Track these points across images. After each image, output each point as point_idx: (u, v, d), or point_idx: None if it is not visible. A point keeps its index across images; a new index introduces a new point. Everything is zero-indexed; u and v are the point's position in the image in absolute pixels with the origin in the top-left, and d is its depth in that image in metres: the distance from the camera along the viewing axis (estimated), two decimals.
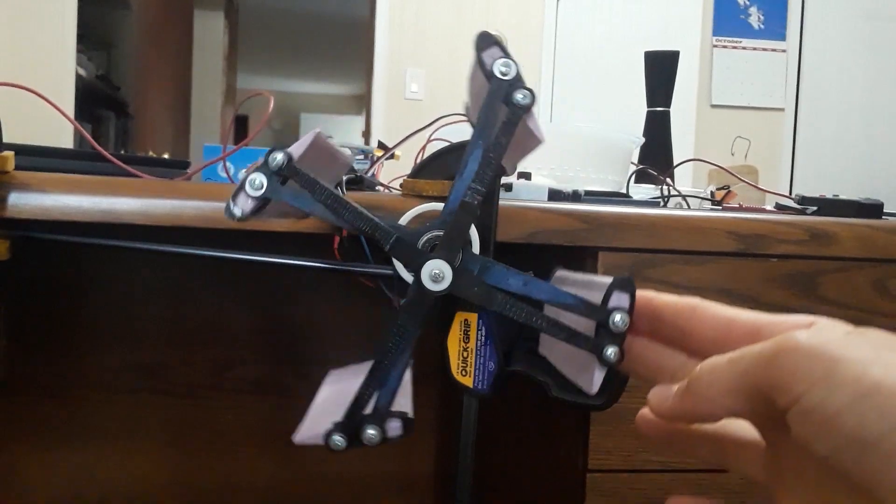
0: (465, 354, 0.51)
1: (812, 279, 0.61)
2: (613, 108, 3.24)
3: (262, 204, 0.38)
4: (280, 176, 0.37)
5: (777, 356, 0.24)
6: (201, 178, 0.77)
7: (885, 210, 0.71)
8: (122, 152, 0.72)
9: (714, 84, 3.46)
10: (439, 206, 0.53)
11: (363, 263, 0.58)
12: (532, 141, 0.41)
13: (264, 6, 5.60)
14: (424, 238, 0.39)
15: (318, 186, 0.38)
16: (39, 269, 0.83)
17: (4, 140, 0.56)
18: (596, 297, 0.36)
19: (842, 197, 0.72)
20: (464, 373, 0.51)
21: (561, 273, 0.42)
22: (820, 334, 0.24)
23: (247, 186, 0.37)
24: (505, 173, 0.45)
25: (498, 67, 0.37)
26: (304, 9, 5.68)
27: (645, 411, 0.32)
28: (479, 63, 0.37)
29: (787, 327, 0.28)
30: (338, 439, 0.38)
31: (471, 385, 0.51)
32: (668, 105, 1.19)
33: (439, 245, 0.38)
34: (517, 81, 0.37)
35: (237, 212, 0.37)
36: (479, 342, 0.59)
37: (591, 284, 0.37)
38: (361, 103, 6.48)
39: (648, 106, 1.20)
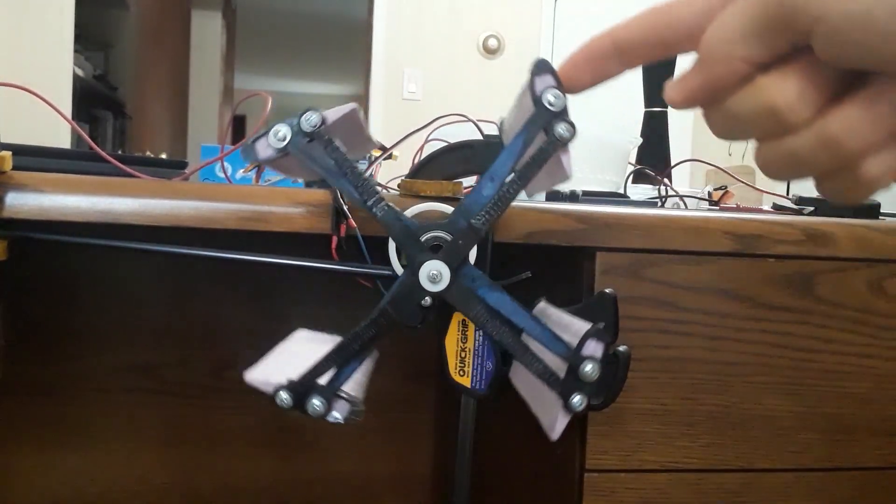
0: (462, 355, 0.51)
1: (809, 279, 0.61)
2: (611, 108, 3.24)
3: (279, 156, 0.38)
4: (306, 135, 0.38)
5: None
6: (199, 178, 0.77)
7: (881, 210, 0.71)
8: (120, 152, 0.72)
9: None
10: (437, 206, 0.53)
11: (361, 264, 0.58)
12: (560, 174, 0.41)
13: (262, 6, 5.60)
14: (427, 235, 0.39)
15: (342, 155, 0.38)
16: (37, 269, 0.83)
17: (2, 140, 0.56)
18: (571, 340, 0.36)
19: None
20: (461, 373, 0.51)
21: (543, 306, 0.42)
22: None
23: (270, 136, 0.37)
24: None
25: (547, 96, 0.37)
26: (301, 9, 5.67)
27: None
28: (530, 87, 0.37)
29: None
30: (285, 397, 0.39)
31: (468, 385, 0.51)
32: (666, 105, 1.19)
33: (444, 249, 0.38)
34: (563, 114, 0.37)
35: (254, 155, 0.38)
36: (476, 343, 0.59)
37: (569, 327, 0.38)
38: (359, 103, 6.47)
39: (646, 106, 1.20)
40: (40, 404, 0.85)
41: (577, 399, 0.37)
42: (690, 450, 0.61)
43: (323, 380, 0.39)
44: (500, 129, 0.43)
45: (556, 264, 0.65)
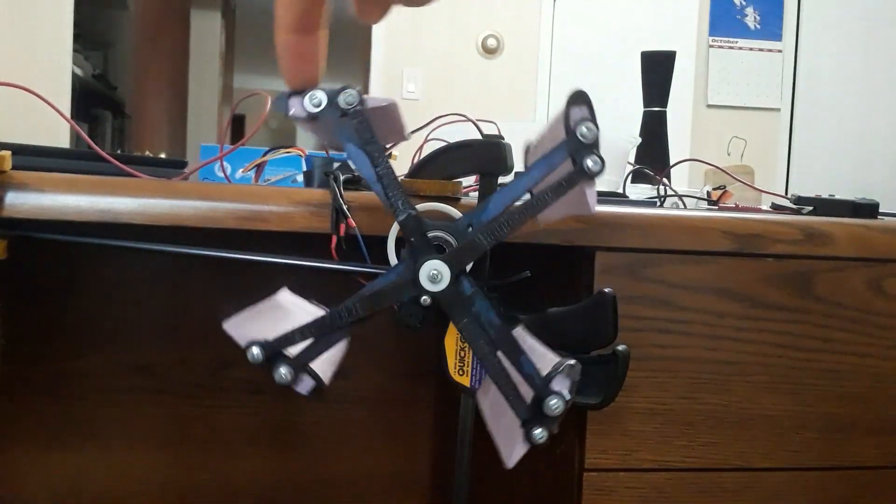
0: (462, 354, 0.51)
1: (807, 279, 0.61)
2: (610, 108, 3.23)
3: (305, 118, 0.39)
4: (340, 110, 0.38)
5: None
6: (198, 177, 0.77)
7: (880, 210, 0.71)
8: (119, 152, 0.72)
9: (710, 84, 3.47)
10: (437, 205, 0.53)
11: (360, 263, 0.58)
12: (581, 207, 0.40)
13: (261, 6, 5.59)
14: (432, 233, 0.39)
15: (372, 139, 0.39)
16: (37, 268, 0.83)
17: (1, 139, 0.56)
18: (543, 369, 0.36)
19: (837, 197, 0.73)
20: (461, 372, 0.51)
21: (520, 331, 0.42)
22: None
23: (306, 99, 0.38)
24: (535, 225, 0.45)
25: (581, 128, 0.37)
26: None
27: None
28: (565, 116, 0.37)
29: None
30: (256, 352, 0.39)
31: (468, 384, 0.51)
32: (665, 105, 1.20)
33: (448, 253, 0.38)
34: (594, 146, 0.37)
35: (291, 111, 0.39)
36: None
37: (543, 358, 0.38)
38: None
39: (645, 106, 1.20)
40: (40, 403, 0.85)
41: (538, 432, 0.37)
42: (689, 449, 0.61)
43: (296, 349, 0.39)
44: (526, 151, 0.43)
45: (555, 264, 0.65)
